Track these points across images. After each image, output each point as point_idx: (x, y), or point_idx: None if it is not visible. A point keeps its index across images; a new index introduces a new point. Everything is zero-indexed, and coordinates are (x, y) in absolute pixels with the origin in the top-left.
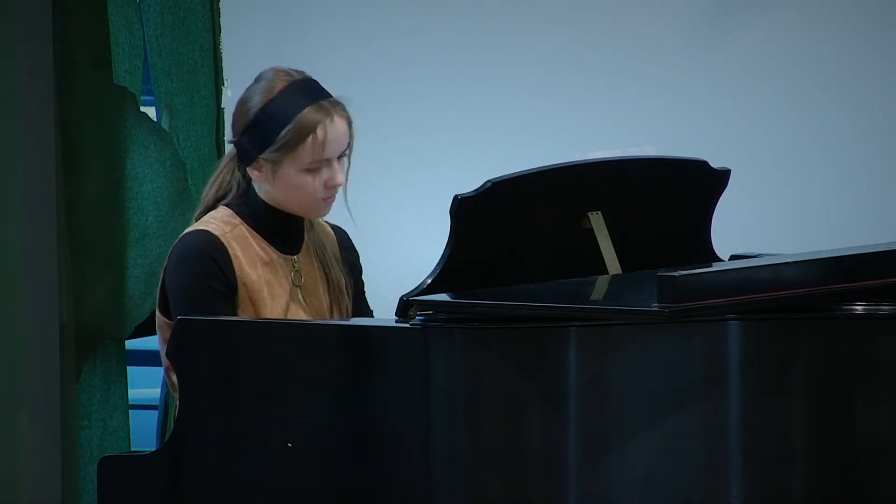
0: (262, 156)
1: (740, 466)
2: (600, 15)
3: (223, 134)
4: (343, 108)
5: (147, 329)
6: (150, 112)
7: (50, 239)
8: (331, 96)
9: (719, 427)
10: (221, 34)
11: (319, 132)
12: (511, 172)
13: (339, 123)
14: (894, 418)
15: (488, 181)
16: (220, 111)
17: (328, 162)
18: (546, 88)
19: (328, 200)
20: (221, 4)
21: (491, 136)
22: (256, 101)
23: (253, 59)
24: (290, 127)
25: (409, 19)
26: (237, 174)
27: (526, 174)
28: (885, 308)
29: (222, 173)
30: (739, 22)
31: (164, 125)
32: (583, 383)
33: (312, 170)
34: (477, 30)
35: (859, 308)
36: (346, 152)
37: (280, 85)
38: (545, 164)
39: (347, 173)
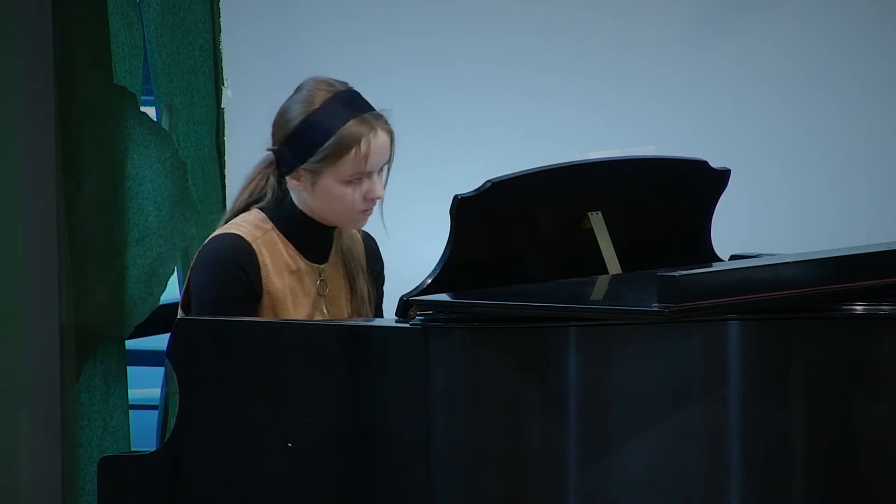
0: (303, 166)
1: (740, 466)
2: (600, 15)
3: (223, 134)
4: (385, 122)
5: (147, 329)
6: (150, 112)
7: (50, 239)
8: (373, 109)
9: (719, 427)
10: (221, 34)
11: (363, 145)
12: (511, 172)
13: (381, 137)
14: (894, 418)
15: (488, 181)
16: (220, 111)
17: (368, 175)
18: (546, 88)
19: (366, 213)
20: (221, 4)
21: (491, 136)
22: (297, 112)
23: (253, 59)
24: (333, 139)
25: (409, 19)
26: (272, 181)
27: (526, 174)
28: (885, 308)
29: (256, 179)
30: (739, 22)
31: (164, 125)
32: (583, 383)
33: (352, 182)
34: (476, 30)
35: (859, 308)
36: (387, 165)
37: (322, 96)
38: (545, 164)
39: (385, 186)
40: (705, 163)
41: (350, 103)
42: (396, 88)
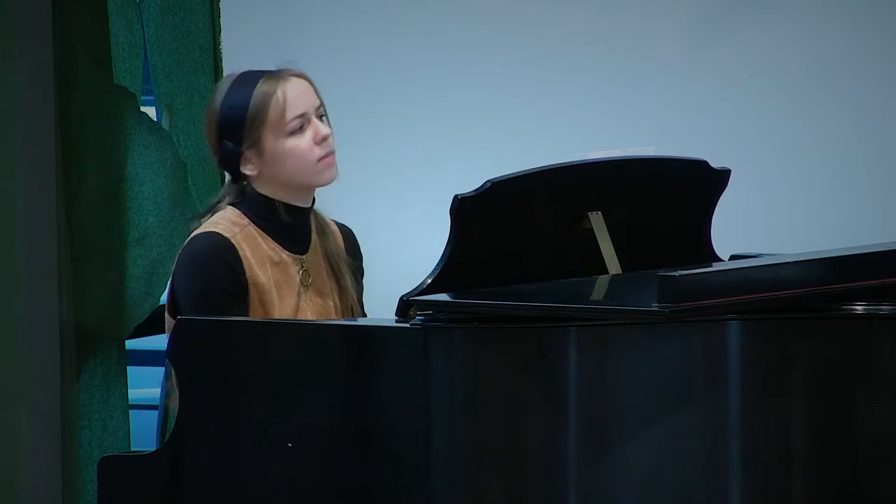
0: (244, 147)
1: (740, 466)
2: (600, 15)
3: None
4: (292, 71)
5: (147, 329)
6: (150, 112)
7: (50, 239)
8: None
9: (719, 427)
10: (221, 34)
11: (279, 94)
12: (511, 172)
13: (294, 82)
14: (894, 418)
15: (488, 181)
16: None
17: (307, 118)
18: (546, 88)
19: (326, 160)
20: (221, 4)
21: (491, 136)
22: (216, 105)
23: (253, 59)
24: (251, 103)
25: (409, 19)
26: (227, 187)
27: (526, 174)
28: (885, 308)
29: (218, 199)
30: (739, 22)
31: (164, 125)
32: (583, 383)
33: (294, 131)
34: (477, 30)
35: (859, 308)
36: (323, 111)
37: (228, 82)
38: (545, 164)
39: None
40: (705, 163)
41: (253, 73)
42: (396, 88)
